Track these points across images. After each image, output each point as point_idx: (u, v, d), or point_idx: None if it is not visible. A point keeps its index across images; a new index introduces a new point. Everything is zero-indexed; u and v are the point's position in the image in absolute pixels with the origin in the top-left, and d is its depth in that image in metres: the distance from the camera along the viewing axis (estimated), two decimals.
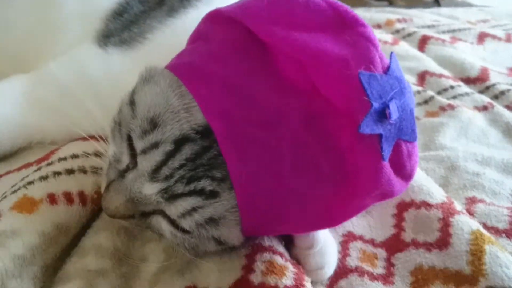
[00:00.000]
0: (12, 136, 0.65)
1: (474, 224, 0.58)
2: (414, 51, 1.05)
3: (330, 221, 0.50)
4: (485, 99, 0.92)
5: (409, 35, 1.14)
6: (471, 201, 0.68)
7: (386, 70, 0.45)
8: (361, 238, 0.61)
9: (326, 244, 0.55)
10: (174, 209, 0.45)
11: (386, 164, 0.44)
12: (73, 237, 0.54)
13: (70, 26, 0.70)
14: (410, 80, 0.97)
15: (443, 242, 0.57)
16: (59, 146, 0.62)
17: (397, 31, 1.16)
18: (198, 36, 0.53)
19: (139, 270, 0.52)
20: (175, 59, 0.51)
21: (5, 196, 0.52)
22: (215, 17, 0.51)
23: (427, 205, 0.61)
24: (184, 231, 0.47)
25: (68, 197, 0.53)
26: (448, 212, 0.60)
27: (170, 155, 0.43)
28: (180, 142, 0.44)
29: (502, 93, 0.95)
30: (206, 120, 0.43)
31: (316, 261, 0.53)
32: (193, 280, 0.50)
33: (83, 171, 0.56)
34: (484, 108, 0.91)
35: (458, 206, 0.62)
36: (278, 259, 0.51)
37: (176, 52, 0.53)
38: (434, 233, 0.58)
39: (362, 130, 0.42)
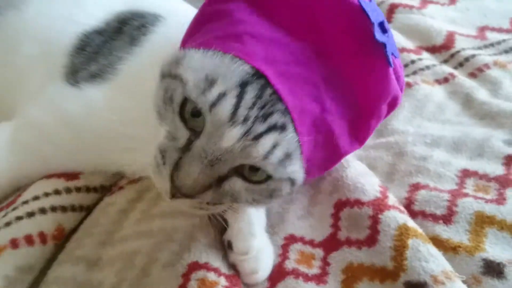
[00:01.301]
0: (1, 185, 0.70)
1: (401, 219, 0.62)
2: None
3: (360, 139, 0.60)
4: (446, 70, 0.93)
5: (378, 5, 1.13)
6: (415, 187, 0.71)
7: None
8: (301, 239, 0.66)
9: (261, 250, 0.61)
10: (261, 149, 0.48)
11: (391, 70, 0.55)
12: (40, 272, 0.62)
13: (34, 68, 0.73)
14: None
15: (371, 239, 0.62)
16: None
17: None
18: (203, 21, 0.58)
19: None
20: (189, 35, 0.59)
21: None
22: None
23: (359, 203, 0.65)
24: (261, 181, 0.52)
25: (29, 239, 0.61)
26: (378, 208, 0.63)
27: (241, 97, 0.48)
28: (243, 85, 0.49)
29: (467, 59, 0.95)
30: (254, 66, 0.49)
31: (251, 266, 0.59)
32: None
33: (43, 211, 0.64)
34: (445, 80, 0.91)
35: (392, 199, 0.66)
36: (211, 275, 0.57)
37: (148, 77, 0.57)
38: (365, 231, 0.63)
39: (377, 37, 0.51)
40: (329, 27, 0.53)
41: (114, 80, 0.66)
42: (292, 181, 0.53)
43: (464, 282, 0.58)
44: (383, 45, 0.52)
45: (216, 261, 0.59)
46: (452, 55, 0.97)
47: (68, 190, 0.67)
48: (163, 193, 0.52)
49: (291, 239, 0.66)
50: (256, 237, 0.61)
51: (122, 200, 0.68)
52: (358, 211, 0.64)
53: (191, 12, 0.70)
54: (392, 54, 0.55)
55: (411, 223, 0.62)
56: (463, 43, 0.99)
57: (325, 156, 0.57)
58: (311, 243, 0.65)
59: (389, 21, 1.08)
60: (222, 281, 0.57)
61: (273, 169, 0.50)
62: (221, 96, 0.48)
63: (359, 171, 0.69)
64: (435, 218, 0.66)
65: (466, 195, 0.68)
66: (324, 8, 0.53)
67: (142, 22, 0.71)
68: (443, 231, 0.64)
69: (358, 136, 0.58)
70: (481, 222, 0.65)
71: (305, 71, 0.52)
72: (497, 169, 0.72)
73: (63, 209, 0.65)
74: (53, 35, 0.72)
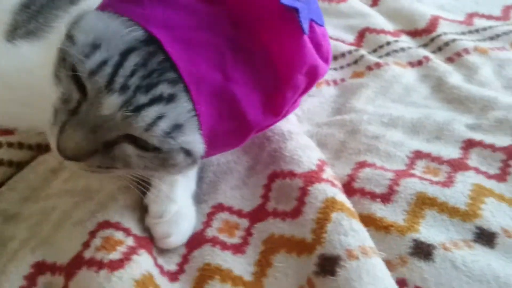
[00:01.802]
0: None
1: (331, 192, 0.58)
2: (362, 7, 1.01)
3: (275, 111, 0.55)
4: (421, 53, 0.88)
5: None
6: (360, 165, 0.67)
7: None
8: (229, 209, 0.63)
9: (180, 215, 0.58)
10: (141, 121, 0.46)
11: (306, 38, 0.51)
12: None
13: None
14: (348, 39, 0.95)
15: (297, 211, 0.58)
16: None
17: None
18: None
19: (6, 247, 0.58)
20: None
21: None
22: None
23: (292, 174, 0.62)
24: (151, 150, 0.49)
25: None
26: (309, 181, 0.60)
27: (118, 66, 0.46)
28: (125, 53, 0.46)
29: (446, 44, 0.90)
30: (148, 31, 0.46)
31: (163, 230, 0.57)
32: (43, 257, 0.55)
33: None
34: (419, 63, 0.87)
35: (327, 173, 0.62)
36: (118, 235, 0.55)
37: None
38: (292, 203, 0.59)
39: (282, 1, 0.48)
40: None
41: (47, 38, 0.65)
42: (187, 152, 0.50)
43: (389, 262, 0.55)
44: (296, 10, 0.49)
45: (129, 222, 0.57)
46: (433, 39, 0.92)
47: None
48: (56, 153, 0.50)
49: (219, 208, 0.63)
50: (175, 202, 0.58)
51: (54, 159, 0.67)
52: (289, 182, 0.61)
53: None
54: (313, 21, 0.52)
55: (340, 197, 0.58)
56: (446, 28, 0.94)
57: (231, 127, 0.53)
58: (238, 213, 0.62)
59: (376, 4, 1.04)
60: (129, 241, 0.54)
61: (158, 141, 0.47)
62: (101, 64, 0.45)
63: (300, 144, 0.66)
64: (373, 196, 0.62)
65: (412, 175, 0.64)
66: None
67: None
68: (379, 210, 0.60)
69: (273, 107, 0.54)
70: (421, 203, 0.60)
71: (211, 37, 0.49)
72: (453, 153, 0.68)
73: None
74: None
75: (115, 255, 0.52)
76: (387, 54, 0.89)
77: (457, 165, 0.66)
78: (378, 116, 0.74)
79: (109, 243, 0.53)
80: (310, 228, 0.56)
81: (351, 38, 0.95)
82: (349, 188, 0.64)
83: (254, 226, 0.60)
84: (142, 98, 0.46)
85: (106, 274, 0.50)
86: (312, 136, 0.72)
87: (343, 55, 0.90)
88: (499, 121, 0.71)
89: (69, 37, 0.48)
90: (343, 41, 0.93)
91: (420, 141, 0.70)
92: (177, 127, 0.47)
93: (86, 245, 0.54)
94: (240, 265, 0.56)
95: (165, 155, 0.49)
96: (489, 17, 0.98)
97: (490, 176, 0.64)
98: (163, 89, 0.46)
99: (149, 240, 0.57)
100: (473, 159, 0.67)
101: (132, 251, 0.53)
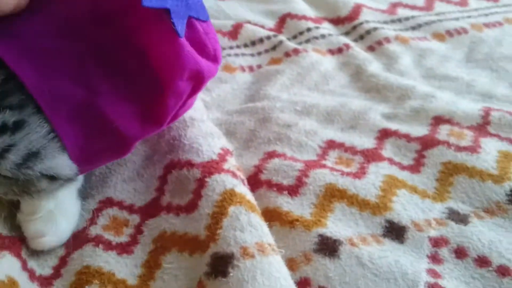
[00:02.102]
0: None
1: (230, 183, 0.52)
2: None
3: (156, 121, 0.47)
4: (342, 40, 0.84)
5: None
6: (269, 156, 0.62)
7: None
8: (119, 204, 0.56)
9: (57, 210, 0.51)
10: None
11: (183, 41, 0.44)
12: None
13: None
14: (269, 24, 0.89)
15: (192, 205, 0.52)
16: None
17: None
18: None
19: None
20: None
21: None
22: None
23: (190, 164, 0.55)
24: (7, 178, 0.42)
25: None
26: (208, 171, 0.54)
27: None
28: None
29: (368, 32, 0.87)
30: None
31: (37, 228, 0.49)
32: None
33: None
34: (339, 51, 0.83)
35: (230, 163, 0.56)
36: None
37: None
38: (188, 196, 0.53)
39: (145, 3, 0.40)
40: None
41: None
42: (50, 177, 0.44)
43: (293, 260, 0.50)
44: (167, 11, 0.42)
45: None
46: (354, 27, 0.89)
47: None
48: None
49: (107, 203, 0.56)
50: (52, 197, 0.50)
51: None
52: (186, 173, 0.55)
53: None
54: (193, 17, 0.46)
55: (241, 188, 0.53)
56: (369, 16, 0.90)
57: (107, 144, 0.46)
58: (129, 208, 0.55)
59: None
60: None
61: (12, 173, 0.41)
62: None
63: (202, 132, 0.60)
64: (280, 188, 0.57)
65: (322, 166, 0.59)
66: None
67: None
68: (286, 203, 0.55)
69: (154, 117, 0.47)
70: (330, 195, 0.56)
71: (69, 45, 0.42)
72: (368, 142, 0.64)
73: None
74: None
75: None
76: (307, 41, 0.84)
77: (371, 156, 0.62)
78: (292, 103, 0.70)
79: None
80: (205, 224, 0.50)
81: (271, 23, 0.90)
82: (255, 180, 0.58)
83: (145, 223, 0.53)
84: None
85: None
86: (221, 124, 0.67)
87: (261, 40, 0.85)
88: (415, 110, 0.69)
89: None
90: (262, 26, 0.88)
91: (334, 130, 0.66)
92: (32, 155, 0.41)
93: None
94: (125, 267, 0.49)
95: (25, 183, 0.43)
96: (413, 7, 0.95)
97: (403, 167, 0.61)
98: (6, 117, 0.39)
99: (17, 240, 0.49)
100: (388, 149, 0.63)
101: None
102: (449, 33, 0.88)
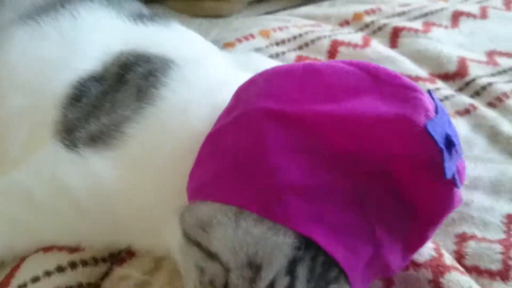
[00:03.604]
0: None
1: (466, 283, 0.56)
2: (387, 51, 0.99)
3: (415, 251, 0.53)
4: (466, 100, 0.88)
5: (380, 29, 1.07)
6: (461, 239, 0.66)
7: (436, 110, 0.46)
8: None
9: None
10: None
11: (456, 189, 0.47)
12: None
13: (21, 121, 0.62)
14: None
15: None
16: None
17: (366, 26, 1.09)
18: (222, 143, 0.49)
19: None
20: (210, 182, 0.48)
21: None
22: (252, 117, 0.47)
23: (415, 265, 0.58)
24: None
25: None
26: (438, 270, 0.57)
27: (292, 284, 0.42)
28: (292, 266, 0.43)
29: (483, 88, 0.90)
30: (300, 231, 0.43)
31: None
32: None
33: None
34: (466, 112, 0.86)
35: (448, 257, 0.59)
36: None
37: (167, 152, 0.52)
38: None
39: (448, 174, 0.43)
40: (390, 150, 0.45)
41: (121, 148, 0.55)
42: None
43: None
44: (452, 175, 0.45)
45: None
46: (467, 84, 0.92)
47: (73, 265, 0.56)
48: None
49: None
50: None
51: (137, 271, 0.58)
52: (414, 274, 0.57)
53: (208, 55, 0.61)
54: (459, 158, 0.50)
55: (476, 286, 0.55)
56: (477, 70, 0.94)
57: (374, 279, 0.52)
58: None
59: (395, 45, 1.03)
60: None
61: None
62: (270, 286, 0.43)
63: None
64: (491, 274, 0.60)
65: None
66: (384, 130, 0.45)
67: (149, 68, 0.61)
68: None
69: (412, 248, 0.52)
70: None
71: (357, 213, 0.45)
72: None
73: None
74: (43, 82, 0.61)
75: None
76: None
77: None
78: None
79: None
80: None
81: None
82: (461, 266, 0.61)
83: None
84: None
85: None
86: None
87: None
88: None
89: (209, 255, 0.45)
90: None
91: (506, 202, 0.69)
92: None
93: None
94: None
95: None
96: (509, 55, 0.99)
97: None
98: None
99: None
100: None
101: None
102: None
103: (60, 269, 0.55)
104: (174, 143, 0.53)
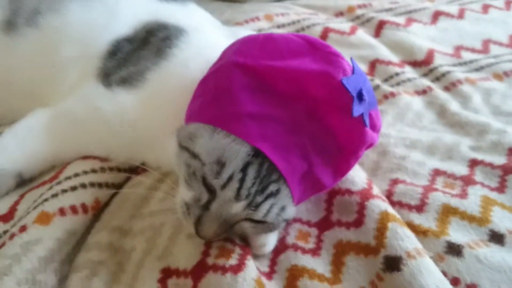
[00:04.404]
0: (39, 166, 0.81)
1: (383, 206, 0.76)
2: (369, 39, 1.19)
3: (342, 175, 0.74)
4: (425, 83, 1.07)
5: (368, 20, 1.27)
6: (394, 182, 0.85)
7: (353, 71, 0.67)
8: (299, 220, 0.78)
9: (272, 234, 0.73)
10: (259, 213, 0.64)
11: (368, 129, 0.68)
12: (81, 236, 0.73)
13: (72, 66, 0.84)
14: (363, 68, 1.12)
15: (358, 221, 0.75)
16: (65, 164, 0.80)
17: (357, 17, 1.29)
18: (206, 89, 0.70)
19: (129, 258, 0.71)
20: (198, 109, 0.69)
21: (29, 212, 0.71)
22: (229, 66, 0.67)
23: (349, 192, 0.78)
24: (262, 222, 0.66)
25: (73, 209, 0.72)
26: (365, 197, 0.77)
27: (242, 180, 0.62)
28: (244, 168, 0.62)
29: (443, 75, 1.09)
30: (252, 145, 0.62)
31: (261, 240, 0.72)
32: (168, 263, 0.69)
33: (83, 186, 0.75)
34: (423, 92, 1.06)
35: (375, 190, 0.79)
36: (228, 245, 0.70)
37: (173, 92, 0.75)
38: (353, 215, 0.76)
39: (355, 114, 0.65)
40: (317, 95, 0.65)
41: (142, 88, 0.78)
42: (286, 220, 0.70)
43: (430, 258, 0.72)
44: (361, 115, 0.66)
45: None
46: (431, 70, 1.11)
47: (103, 169, 0.79)
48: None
49: (292, 220, 0.78)
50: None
51: (148, 180, 0.80)
52: (348, 198, 0.78)
53: (210, 27, 0.83)
54: (370, 109, 0.69)
55: (390, 210, 0.75)
56: (441, 60, 1.13)
57: (312, 193, 0.72)
58: (307, 223, 0.78)
59: (378, 35, 1.22)
60: (237, 249, 0.69)
61: (271, 220, 0.66)
62: (229, 179, 0.62)
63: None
64: (409, 207, 0.80)
65: (436, 190, 0.82)
66: (313, 81, 0.65)
67: (167, 34, 0.83)
68: (416, 218, 0.78)
69: (340, 173, 0.72)
70: (447, 212, 0.78)
71: (295, 137, 0.65)
72: (462, 170, 0.87)
73: (100, 185, 0.77)
74: (90, 40, 0.84)
75: (232, 261, 0.67)
76: (398, 84, 1.07)
77: (467, 180, 0.85)
78: (401, 139, 0.93)
79: (225, 251, 0.68)
80: (373, 235, 0.72)
81: (364, 68, 1.12)
82: (389, 201, 0.81)
83: (323, 234, 0.76)
84: (259, 198, 0.64)
85: (231, 276, 0.65)
86: None
87: None
88: (494, 143, 0.91)
89: (193, 155, 0.65)
90: None
91: (436, 160, 0.89)
92: (282, 208, 0.66)
93: (205, 253, 0.68)
94: (319, 265, 0.72)
95: (272, 224, 0.68)
96: (473, 50, 1.18)
97: (492, 189, 0.84)
98: (272, 187, 0.64)
99: (248, 248, 0.72)
100: (478, 175, 0.86)
101: (243, 256, 0.68)
102: (506, 73, 1.10)
103: (93, 171, 0.78)
104: (178, 86, 0.75)
